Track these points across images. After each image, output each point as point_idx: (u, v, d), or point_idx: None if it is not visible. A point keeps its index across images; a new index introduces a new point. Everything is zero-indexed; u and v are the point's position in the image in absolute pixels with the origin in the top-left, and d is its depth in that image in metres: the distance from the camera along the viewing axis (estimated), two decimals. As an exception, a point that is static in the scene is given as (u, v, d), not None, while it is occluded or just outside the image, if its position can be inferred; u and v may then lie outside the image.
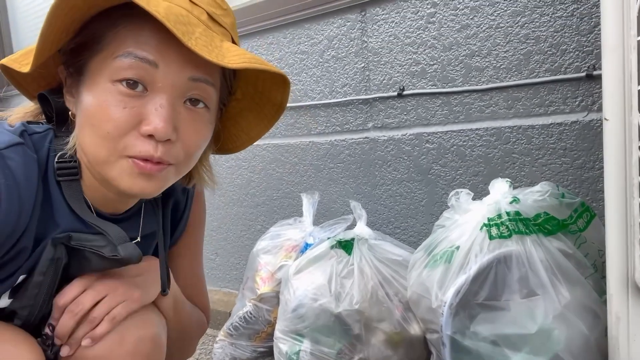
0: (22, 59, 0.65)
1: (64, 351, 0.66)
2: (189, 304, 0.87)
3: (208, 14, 0.61)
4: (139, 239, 0.74)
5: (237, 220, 1.96)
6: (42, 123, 0.68)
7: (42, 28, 0.56)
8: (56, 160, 0.64)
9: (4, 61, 0.66)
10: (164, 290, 0.73)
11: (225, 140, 0.76)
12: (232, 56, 0.57)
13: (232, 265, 2.01)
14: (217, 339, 1.47)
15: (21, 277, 0.64)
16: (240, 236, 1.96)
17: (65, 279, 0.68)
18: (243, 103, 0.73)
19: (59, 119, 0.66)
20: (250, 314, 1.42)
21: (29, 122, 0.67)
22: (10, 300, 0.65)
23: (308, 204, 1.50)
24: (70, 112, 0.65)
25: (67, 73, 0.64)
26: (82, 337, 0.66)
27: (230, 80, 0.69)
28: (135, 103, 0.57)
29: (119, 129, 0.57)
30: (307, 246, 1.43)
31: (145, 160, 0.59)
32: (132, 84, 0.57)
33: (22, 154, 0.60)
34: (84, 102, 0.60)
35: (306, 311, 1.19)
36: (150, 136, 0.58)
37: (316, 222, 1.49)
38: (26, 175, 0.59)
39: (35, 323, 0.67)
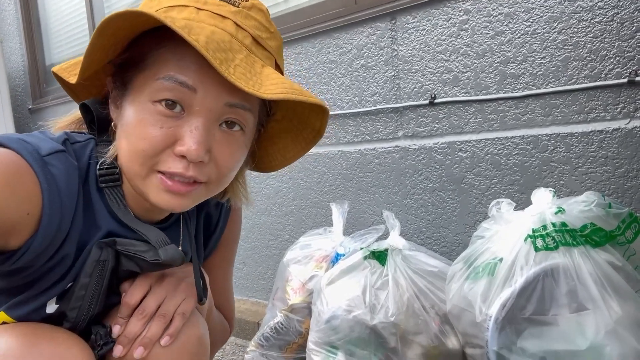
0: (71, 68, 0.67)
1: (117, 351, 0.67)
2: (217, 312, 0.89)
3: (253, 37, 0.62)
4: (180, 249, 0.74)
5: (265, 230, 1.95)
6: (84, 133, 0.70)
7: (88, 46, 0.57)
8: (98, 167, 0.65)
9: (55, 69, 0.69)
10: (201, 300, 0.74)
11: (261, 159, 0.77)
12: (270, 85, 0.57)
13: (259, 274, 2.01)
14: (248, 349, 1.46)
15: (69, 285, 0.65)
16: (268, 246, 1.95)
17: (115, 282, 0.69)
18: (282, 124, 0.74)
19: (101, 127, 0.68)
20: (281, 324, 1.41)
21: (71, 132, 0.69)
22: (57, 305, 0.67)
23: (338, 214, 1.48)
24: (112, 123, 0.66)
25: (114, 85, 0.65)
26: (150, 336, 0.67)
27: (269, 103, 0.69)
28: (172, 124, 0.59)
29: (153, 147, 0.59)
30: (338, 256, 1.42)
31: (175, 176, 0.60)
32: (170, 104, 0.59)
33: (64, 161, 0.62)
34: (125, 116, 0.62)
35: (340, 323, 1.17)
36: (184, 156, 0.59)
37: (346, 232, 1.48)
38: (67, 182, 0.61)
39: (83, 326, 0.68)
